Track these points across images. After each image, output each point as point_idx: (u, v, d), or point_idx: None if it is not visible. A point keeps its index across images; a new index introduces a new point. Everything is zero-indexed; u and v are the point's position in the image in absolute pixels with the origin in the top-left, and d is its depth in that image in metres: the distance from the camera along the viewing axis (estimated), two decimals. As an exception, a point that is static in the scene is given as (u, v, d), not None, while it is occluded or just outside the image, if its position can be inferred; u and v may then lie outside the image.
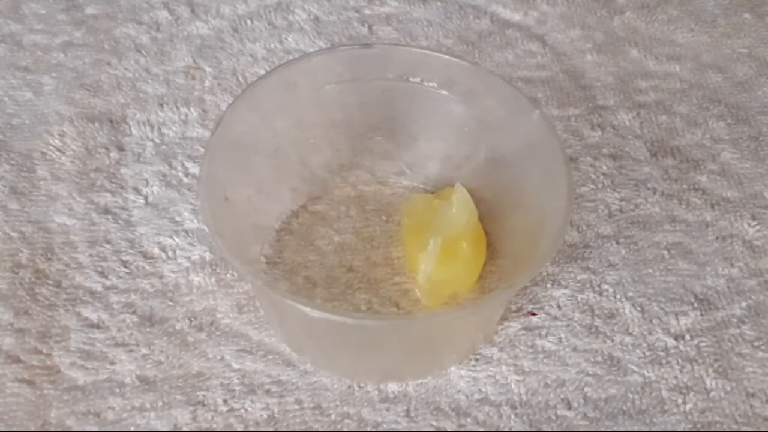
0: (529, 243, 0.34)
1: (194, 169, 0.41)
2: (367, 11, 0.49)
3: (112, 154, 0.42)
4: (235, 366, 0.35)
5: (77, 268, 0.37)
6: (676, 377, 0.35)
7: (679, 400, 0.34)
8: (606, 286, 0.38)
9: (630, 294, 0.37)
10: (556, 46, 0.48)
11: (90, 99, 0.44)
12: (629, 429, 0.34)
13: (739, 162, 0.42)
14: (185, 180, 0.41)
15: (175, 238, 0.39)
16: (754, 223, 0.40)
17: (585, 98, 0.45)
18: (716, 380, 0.35)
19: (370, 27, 0.48)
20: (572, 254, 0.39)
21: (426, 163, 0.40)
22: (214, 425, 0.33)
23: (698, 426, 0.34)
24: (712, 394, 0.35)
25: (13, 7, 0.48)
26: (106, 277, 0.37)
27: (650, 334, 0.36)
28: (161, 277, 0.37)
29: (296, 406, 0.34)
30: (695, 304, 0.37)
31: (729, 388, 0.35)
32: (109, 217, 0.39)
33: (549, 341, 0.36)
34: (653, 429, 0.34)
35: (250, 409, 0.34)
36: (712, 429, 0.34)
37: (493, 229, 0.38)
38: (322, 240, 0.39)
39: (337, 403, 0.34)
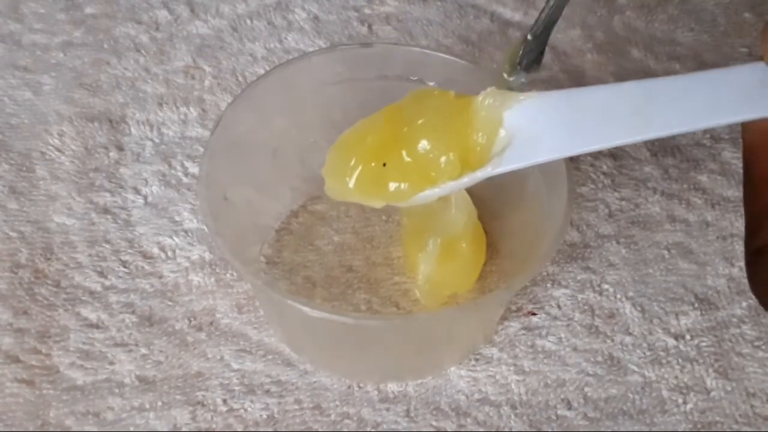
0: (529, 243, 0.34)
1: (194, 168, 0.41)
2: (366, 11, 0.49)
3: (111, 154, 0.42)
4: (235, 366, 0.35)
5: (76, 267, 0.37)
6: (676, 377, 0.35)
7: (680, 400, 0.34)
8: (606, 286, 0.38)
9: (630, 294, 0.37)
10: (556, 46, 0.48)
11: (89, 99, 0.44)
12: (629, 429, 0.34)
13: (740, 161, 0.42)
14: (185, 180, 0.41)
15: (175, 238, 0.39)
16: (755, 222, 0.40)
17: (585, 98, 0.45)
18: (717, 380, 0.35)
19: (369, 26, 0.48)
20: (572, 254, 0.39)
21: (426, 163, 0.40)
22: (214, 425, 0.33)
23: (698, 426, 0.34)
24: (713, 394, 0.35)
25: (13, 6, 0.48)
26: (106, 277, 0.37)
27: (650, 334, 0.36)
28: (160, 277, 0.37)
29: (296, 406, 0.34)
30: (695, 304, 0.37)
31: (729, 388, 0.35)
32: (109, 216, 0.39)
33: (549, 341, 0.36)
34: (653, 429, 0.34)
35: (249, 409, 0.34)
36: (713, 429, 0.34)
37: (493, 229, 0.38)
38: (321, 240, 0.39)
39: (337, 403, 0.34)
